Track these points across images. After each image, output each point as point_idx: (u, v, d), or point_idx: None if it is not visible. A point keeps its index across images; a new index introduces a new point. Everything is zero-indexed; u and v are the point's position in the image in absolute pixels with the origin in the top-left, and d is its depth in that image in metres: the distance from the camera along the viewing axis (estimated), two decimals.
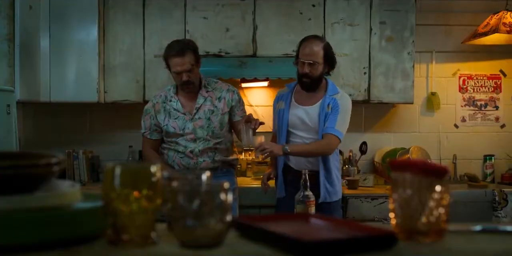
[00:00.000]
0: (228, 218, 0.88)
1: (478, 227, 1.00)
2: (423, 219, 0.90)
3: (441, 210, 0.91)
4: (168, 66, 2.94)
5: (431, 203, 0.90)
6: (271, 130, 3.26)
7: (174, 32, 3.75)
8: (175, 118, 3.00)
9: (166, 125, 3.02)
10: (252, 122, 2.72)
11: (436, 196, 0.90)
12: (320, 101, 2.94)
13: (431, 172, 0.91)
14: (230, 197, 0.88)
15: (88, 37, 3.68)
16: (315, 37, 2.97)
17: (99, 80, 3.70)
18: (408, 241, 0.92)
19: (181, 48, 2.88)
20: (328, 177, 2.92)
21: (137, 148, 3.99)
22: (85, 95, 3.67)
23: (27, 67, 3.41)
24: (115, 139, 4.16)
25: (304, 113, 2.94)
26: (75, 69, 3.68)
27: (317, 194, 2.70)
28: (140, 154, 4.00)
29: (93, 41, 3.68)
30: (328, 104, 2.91)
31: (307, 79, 2.90)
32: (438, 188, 0.90)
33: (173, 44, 2.94)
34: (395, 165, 0.95)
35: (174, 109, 3.01)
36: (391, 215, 0.95)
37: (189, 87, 2.95)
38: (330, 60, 2.92)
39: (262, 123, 2.76)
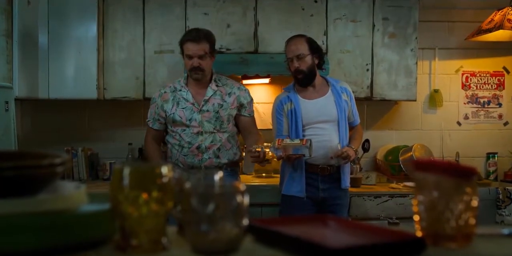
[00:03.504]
0: (245, 222, 0.83)
1: (506, 231, 0.95)
2: (452, 223, 0.84)
3: (470, 214, 0.86)
4: (182, 52, 2.98)
5: (460, 206, 0.84)
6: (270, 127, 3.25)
7: (175, 28, 3.69)
8: (183, 108, 3.02)
9: (173, 113, 3.02)
10: (255, 155, 2.81)
11: (465, 198, 0.84)
12: (329, 91, 3.07)
13: (458, 173, 0.86)
14: (246, 200, 0.83)
15: (88, 33, 3.62)
16: (296, 35, 3.11)
17: (99, 76, 3.64)
18: (434, 246, 0.87)
19: (198, 35, 2.94)
20: (349, 165, 3.14)
21: (137, 145, 3.95)
22: (84, 92, 3.61)
23: (26, 64, 3.35)
24: (115, 136, 4.10)
25: (317, 104, 3.03)
26: (74, 66, 3.62)
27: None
28: (140, 152, 3.96)
29: (92, 37, 3.62)
30: (343, 93, 3.08)
31: (300, 74, 3.02)
32: (468, 189, 0.84)
33: (191, 31, 3.04)
34: (419, 165, 0.90)
35: (184, 98, 3.03)
36: (415, 218, 0.90)
37: (197, 73, 2.96)
38: (316, 50, 3.04)
39: (267, 161, 2.84)
